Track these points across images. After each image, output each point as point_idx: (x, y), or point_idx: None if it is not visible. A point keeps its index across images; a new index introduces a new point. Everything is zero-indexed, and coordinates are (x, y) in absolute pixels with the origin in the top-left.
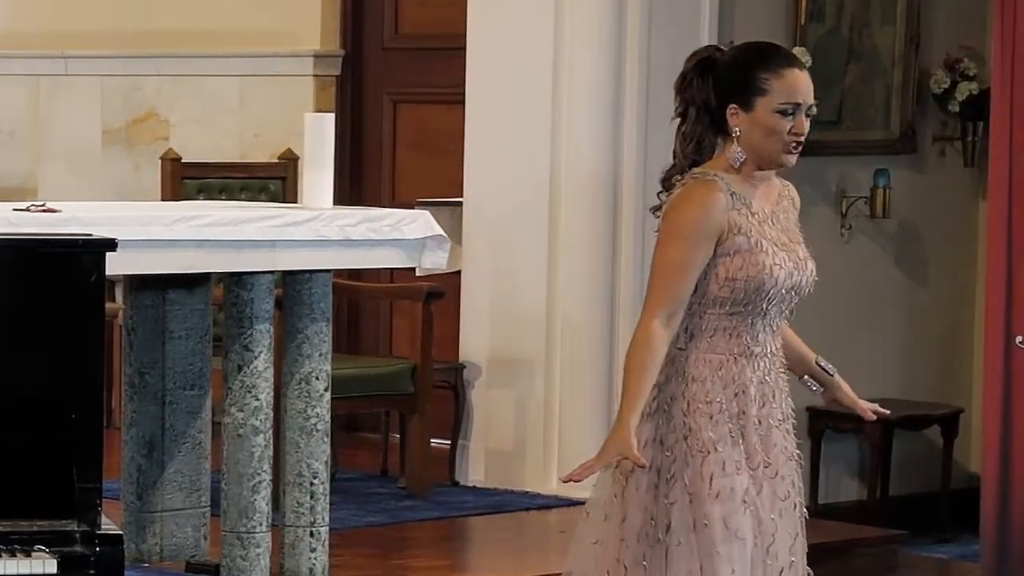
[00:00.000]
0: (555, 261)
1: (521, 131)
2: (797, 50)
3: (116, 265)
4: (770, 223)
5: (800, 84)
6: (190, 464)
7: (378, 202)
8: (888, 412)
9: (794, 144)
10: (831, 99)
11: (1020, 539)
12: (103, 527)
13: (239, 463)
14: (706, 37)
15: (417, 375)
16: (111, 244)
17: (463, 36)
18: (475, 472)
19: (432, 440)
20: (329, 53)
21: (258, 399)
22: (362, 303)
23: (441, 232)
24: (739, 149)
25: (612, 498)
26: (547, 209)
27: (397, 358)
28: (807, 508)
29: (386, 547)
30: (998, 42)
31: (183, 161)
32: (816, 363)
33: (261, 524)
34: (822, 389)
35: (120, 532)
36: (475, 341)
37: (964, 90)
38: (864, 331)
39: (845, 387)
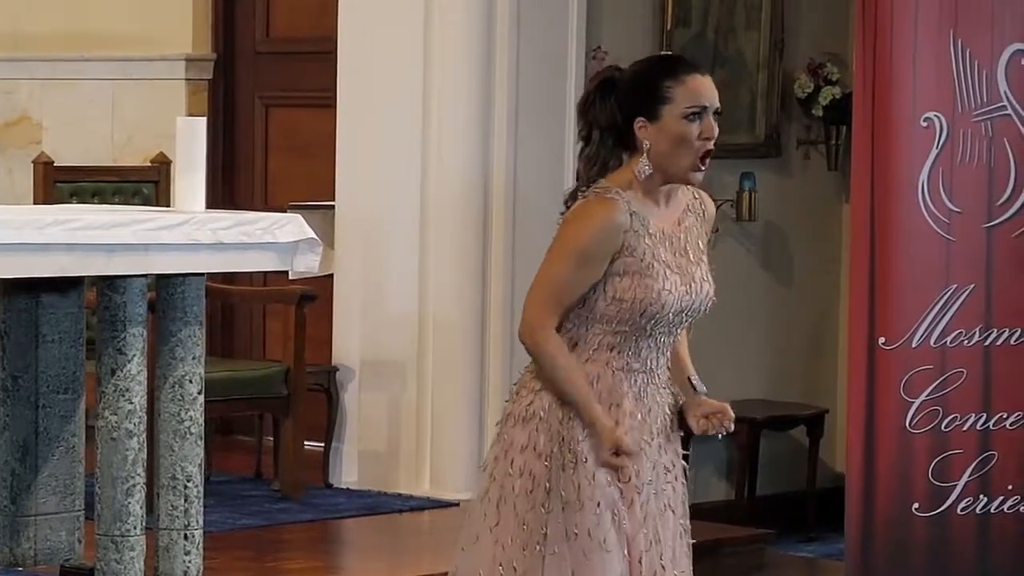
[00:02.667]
0: (426, 264)
1: (392, 135)
2: (664, 54)
3: None
4: (666, 245)
5: (703, 88)
6: (64, 468)
7: (250, 206)
8: (724, 431)
9: (704, 153)
10: None
11: (883, 537)
12: None
13: (113, 466)
14: (574, 42)
15: (290, 378)
16: None
17: (334, 40)
18: (348, 474)
19: (305, 442)
20: (201, 57)
21: (131, 402)
22: (235, 306)
23: (313, 235)
24: (647, 162)
25: (487, 500)
26: (418, 212)
27: (270, 361)
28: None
29: (260, 549)
30: (860, 47)
31: (56, 165)
32: (688, 379)
33: (135, 527)
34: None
35: None
36: (348, 344)
37: (827, 95)
38: (730, 333)
39: (700, 408)
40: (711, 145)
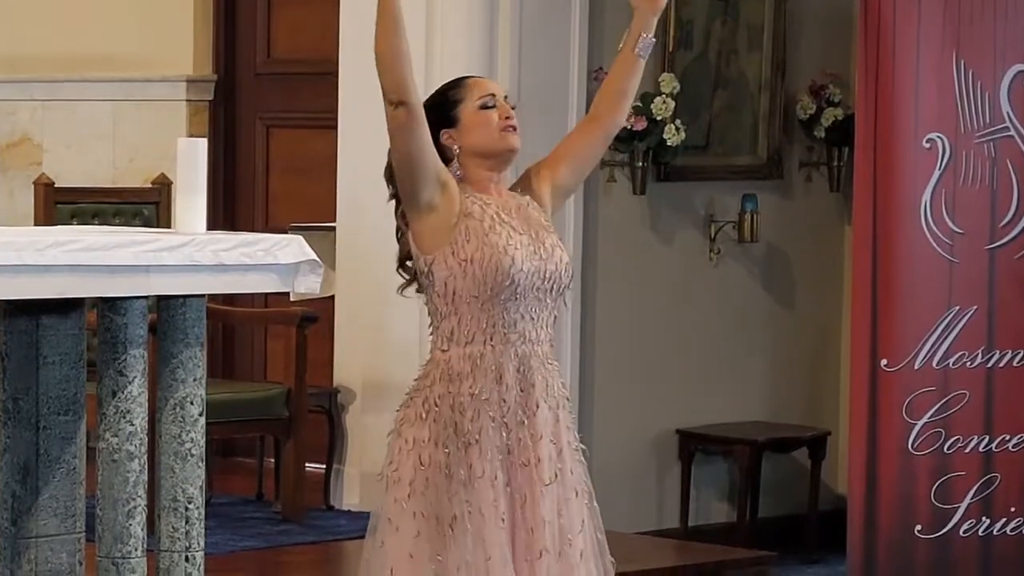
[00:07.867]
0: None
1: None
2: (666, 76)
3: None
4: (510, 213)
5: (487, 82)
6: (65, 490)
7: (251, 227)
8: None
9: (508, 127)
10: (699, 125)
11: (885, 559)
12: None
13: (114, 488)
14: (576, 64)
15: (291, 400)
16: None
17: (335, 61)
18: (349, 496)
19: (306, 464)
20: (202, 78)
21: (132, 424)
22: (236, 328)
23: (314, 257)
24: (456, 165)
25: (395, 503)
26: None
27: (271, 383)
28: (678, 529)
29: (261, 571)
30: (862, 69)
31: (56, 186)
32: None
33: (136, 549)
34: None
35: None
36: (349, 366)
37: (829, 116)
38: (732, 354)
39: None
40: (513, 122)
